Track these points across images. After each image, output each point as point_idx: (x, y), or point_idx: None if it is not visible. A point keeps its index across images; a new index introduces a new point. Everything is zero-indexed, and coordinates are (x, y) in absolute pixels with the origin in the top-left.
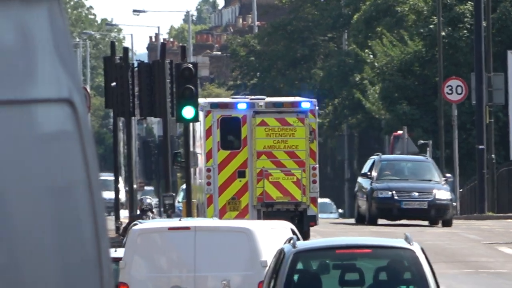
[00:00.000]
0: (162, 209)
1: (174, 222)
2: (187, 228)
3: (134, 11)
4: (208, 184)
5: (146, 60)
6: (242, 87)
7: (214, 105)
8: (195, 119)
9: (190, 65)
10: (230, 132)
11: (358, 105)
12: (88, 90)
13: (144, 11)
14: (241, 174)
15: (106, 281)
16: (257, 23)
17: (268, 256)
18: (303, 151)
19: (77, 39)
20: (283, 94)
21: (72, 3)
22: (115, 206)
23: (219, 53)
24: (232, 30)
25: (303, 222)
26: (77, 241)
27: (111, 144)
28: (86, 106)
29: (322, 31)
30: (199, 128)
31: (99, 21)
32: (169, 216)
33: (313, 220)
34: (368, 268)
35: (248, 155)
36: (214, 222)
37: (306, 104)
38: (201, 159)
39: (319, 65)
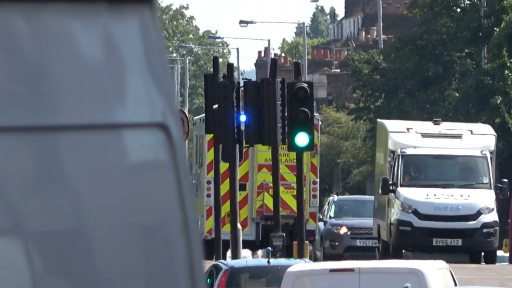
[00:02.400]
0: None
1: (336, 263)
2: (351, 270)
3: (241, 22)
4: (208, 196)
5: (253, 78)
6: (365, 110)
7: None
8: (310, 147)
9: (305, 85)
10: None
11: (500, 130)
12: (186, 113)
13: (252, 22)
14: (241, 187)
15: None
16: (382, 36)
17: None
18: (305, 165)
19: (174, 54)
20: (412, 119)
21: (170, 13)
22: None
23: (338, 70)
24: (353, 44)
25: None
26: (170, 286)
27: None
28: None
29: (458, 46)
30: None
31: (200, 34)
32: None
33: (312, 234)
34: None
35: (249, 168)
36: (381, 263)
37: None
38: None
39: (454, 85)
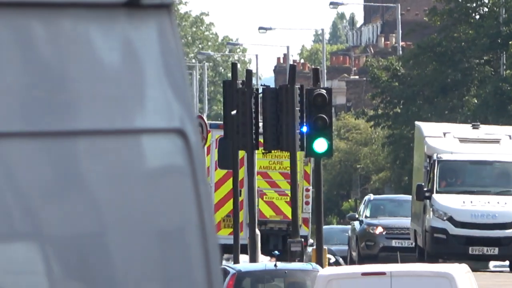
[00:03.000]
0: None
1: (368, 267)
2: (383, 273)
3: (260, 28)
4: None
5: (272, 85)
6: (384, 117)
7: (213, 126)
8: (328, 153)
9: (324, 91)
10: (227, 152)
11: None
12: (205, 119)
13: (271, 29)
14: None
15: None
16: (401, 43)
17: None
18: (298, 173)
19: (193, 61)
20: None
21: (190, 19)
22: (235, 250)
23: (357, 77)
24: (372, 51)
25: None
26: None
27: None
28: (202, 138)
29: (477, 53)
30: None
31: (219, 40)
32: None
33: (305, 240)
34: None
35: (244, 174)
36: (412, 266)
37: (302, 128)
38: None
39: (472, 92)
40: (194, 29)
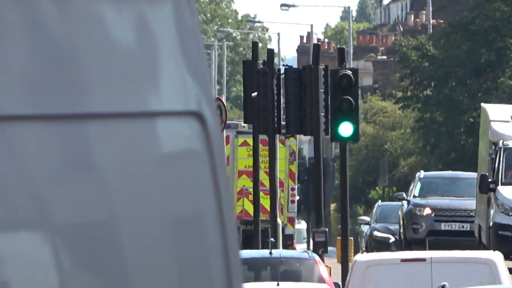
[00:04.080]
0: (311, 248)
1: (408, 253)
2: (423, 259)
3: (282, 5)
4: None
5: (295, 65)
6: (413, 99)
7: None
8: (354, 137)
9: (350, 72)
10: None
11: None
12: (224, 101)
13: (294, 6)
14: None
15: None
16: (432, 21)
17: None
18: (283, 171)
19: (212, 39)
20: (463, 108)
21: None
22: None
23: (385, 57)
24: (401, 29)
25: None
26: (205, 285)
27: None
28: (220, 121)
29: None
30: None
31: (239, 18)
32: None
33: (290, 239)
34: None
35: (229, 174)
36: (453, 253)
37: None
38: None
39: (508, 73)
40: (212, 6)
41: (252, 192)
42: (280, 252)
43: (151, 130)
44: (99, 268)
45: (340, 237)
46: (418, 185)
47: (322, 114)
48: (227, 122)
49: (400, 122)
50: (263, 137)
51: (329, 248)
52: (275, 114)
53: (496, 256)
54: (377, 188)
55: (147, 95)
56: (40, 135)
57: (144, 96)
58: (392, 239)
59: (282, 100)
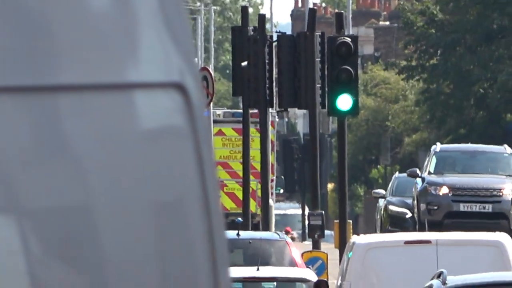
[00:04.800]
0: (307, 232)
1: (412, 234)
2: (428, 242)
3: None
4: None
5: (289, 32)
6: (418, 68)
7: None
8: (353, 111)
9: (349, 39)
10: None
11: None
12: (211, 71)
13: None
14: None
15: None
16: None
17: None
18: (260, 162)
19: (198, 4)
20: (473, 79)
21: None
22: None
23: (388, 23)
24: None
25: None
26: (188, 272)
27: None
28: (206, 93)
29: None
30: None
31: None
32: (317, 242)
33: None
34: None
35: None
36: (460, 235)
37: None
38: None
39: None
40: None
41: (227, 184)
42: (249, 233)
43: (128, 103)
44: (74, 256)
45: (338, 220)
46: (434, 160)
47: (318, 85)
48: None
49: (404, 94)
50: (237, 125)
51: (326, 232)
52: (267, 85)
53: (504, 238)
54: (378, 167)
55: (124, 65)
56: (5, 109)
57: (121, 66)
58: (409, 214)
59: (275, 70)
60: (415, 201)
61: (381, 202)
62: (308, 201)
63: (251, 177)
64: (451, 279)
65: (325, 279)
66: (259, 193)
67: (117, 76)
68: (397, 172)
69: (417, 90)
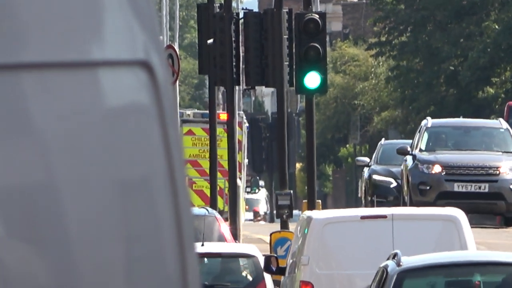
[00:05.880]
0: (275, 212)
1: (368, 210)
2: (383, 216)
3: None
4: None
5: (255, 9)
6: (387, 45)
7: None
8: (322, 89)
9: (317, 16)
10: None
11: None
12: (176, 49)
13: None
14: None
15: None
16: None
17: (472, 247)
18: (226, 161)
19: None
20: (443, 56)
21: None
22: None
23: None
24: None
25: None
26: (155, 252)
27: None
28: (172, 71)
29: None
30: None
31: None
32: (285, 222)
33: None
34: (486, 287)
35: None
36: (415, 209)
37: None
38: None
39: (493, 16)
40: None
41: (196, 182)
42: None
43: (93, 81)
44: (35, 238)
45: (306, 200)
46: (425, 136)
47: (286, 63)
48: None
49: (373, 71)
50: (206, 126)
51: (295, 212)
52: (234, 63)
53: (459, 213)
54: (347, 145)
55: (89, 43)
56: None
57: (85, 44)
58: (394, 183)
59: (241, 48)
60: (405, 181)
61: (366, 171)
62: (276, 180)
63: (219, 175)
64: (406, 260)
65: (275, 255)
66: (226, 191)
67: (81, 54)
68: (383, 139)
69: (387, 67)
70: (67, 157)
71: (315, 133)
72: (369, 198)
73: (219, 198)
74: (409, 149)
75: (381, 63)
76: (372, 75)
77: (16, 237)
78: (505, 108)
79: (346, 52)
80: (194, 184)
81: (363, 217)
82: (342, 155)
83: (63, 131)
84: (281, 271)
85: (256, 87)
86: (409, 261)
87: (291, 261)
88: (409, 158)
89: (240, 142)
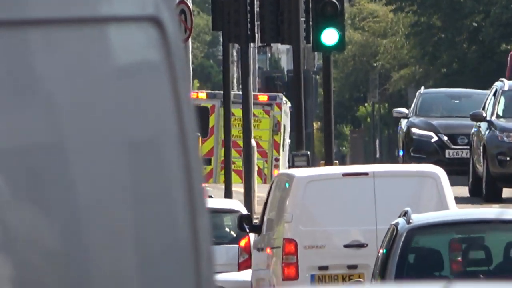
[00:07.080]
0: None
1: (350, 167)
2: (365, 174)
3: None
4: None
5: None
6: (408, 1)
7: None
8: (340, 46)
9: None
10: (198, 121)
11: None
12: (189, 4)
13: None
14: (206, 161)
15: (205, 272)
16: None
17: (452, 204)
18: (266, 141)
19: None
20: (465, 12)
21: None
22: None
23: None
24: None
25: None
26: (166, 214)
27: (220, 81)
28: (184, 28)
29: None
30: None
31: None
32: None
33: None
34: (496, 244)
35: (214, 143)
36: (396, 166)
37: (273, 97)
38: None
39: None
40: None
41: (235, 162)
42: None
43: (101, 38)
44: (42, 200)
45: (323, 161)
46: (502, 100)
47: (303, 19)
48: (212, 91)
49: (393, 27)
50: (237, 106)
51: None
52: (248, 19)
53: (439, 170)
54: (366, 104)
55: None
56: None
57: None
58: (435, 138)
59: (256, 3)
60: (479, 149)
61: (403, 123)
62: (293, 140)
63: (258, 156)
64: (416, 217)
65: (249, 213)
66: (265, 171)
67: (89, 9)
68: (422, 88)
69: (407, 23)
70: (76, 116)
71: (332, 92)
72: (409, 154)
73: (257, 178)
74: (484, 115)
75: (401, 19)
76: (392, 31)
77: (24, 199)
78: (508, 58)
79: (365, 8)
80: (234, 164)
81: (345, 174)
82: (360, 114)
83: (70, 89)
84: (255, 228)
85: (272, 44)
86: (419, 218)
87: (266, 218)
88: (483, 125)
89: (279, 122)
